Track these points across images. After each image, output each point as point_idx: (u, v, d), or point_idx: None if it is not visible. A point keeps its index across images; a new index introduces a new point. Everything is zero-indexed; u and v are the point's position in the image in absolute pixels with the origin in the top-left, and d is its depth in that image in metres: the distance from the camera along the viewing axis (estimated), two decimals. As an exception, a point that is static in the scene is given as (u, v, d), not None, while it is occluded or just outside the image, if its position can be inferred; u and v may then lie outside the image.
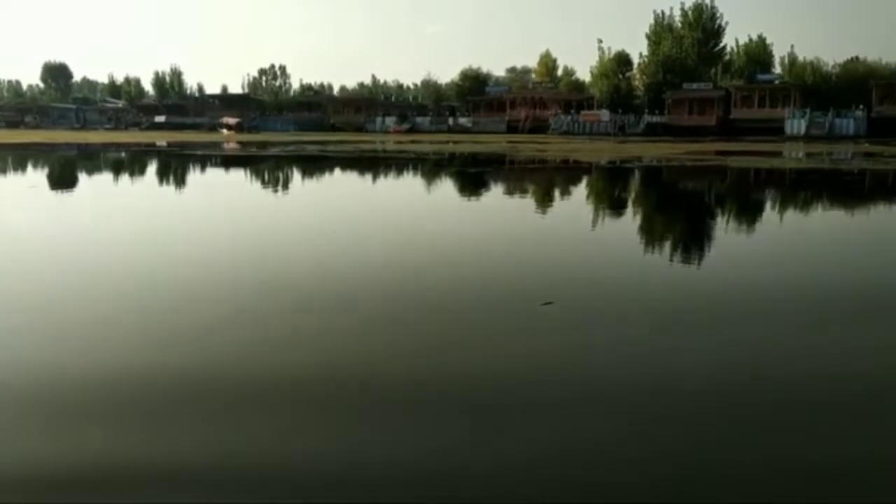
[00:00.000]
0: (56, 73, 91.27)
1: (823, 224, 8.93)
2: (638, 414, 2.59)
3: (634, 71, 65.25)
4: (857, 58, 59.78)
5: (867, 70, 54.59)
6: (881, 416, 2.63)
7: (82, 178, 15.49)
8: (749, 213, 9.78)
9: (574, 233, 7.28)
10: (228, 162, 21.40)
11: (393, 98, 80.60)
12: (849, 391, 2.88)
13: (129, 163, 20.50)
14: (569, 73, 75.38)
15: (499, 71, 79.63)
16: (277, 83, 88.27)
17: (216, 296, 4.30)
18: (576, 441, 2.36)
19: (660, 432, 2.44)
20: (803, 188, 14.43)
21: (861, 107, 49.62)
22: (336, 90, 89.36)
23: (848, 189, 13.91)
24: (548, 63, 74.73)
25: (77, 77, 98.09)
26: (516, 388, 2.82)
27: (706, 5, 61.57)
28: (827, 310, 4.17)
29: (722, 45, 63.04)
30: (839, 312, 4.11)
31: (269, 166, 19.33)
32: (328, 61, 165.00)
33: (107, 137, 43.87)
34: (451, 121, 66.27)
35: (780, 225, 8.64)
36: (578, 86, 70.66)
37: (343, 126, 66.04)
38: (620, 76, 64.57)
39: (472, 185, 13.78)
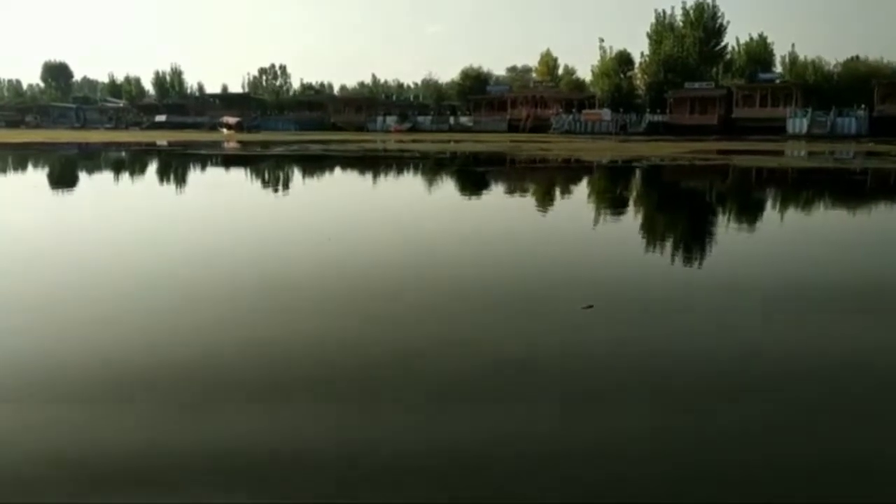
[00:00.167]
0: (56, 73, 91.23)
1: (854, 222, 8.91)
2: (696, 412, 2.59)
3: (636, 70, 65.19)
4: (857, 57, 59.72)
5: (869, 69, 54.49)
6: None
7: (90, 178, 15.49)
8: (774, 212, 9.76)
9: (603, 234, 7.20)
10: (235, 162, 21.34)
11: (394, 97, 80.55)
12: None
13: (134, 163, 20.46)
14: (569, 72, 75.34)
15: (499, 70, 79.67)
16: (278, 82, 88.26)
17: (248, 294, 4.31)
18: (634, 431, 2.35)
19: (718, 428, 2.43)
20: (820, 187, 14.21)
21: (863, 106, 49.53)
22: (336, 90, 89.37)
23: (866, 187, 13.91)
24: (549, 62, 74.65)
25: (77, 76, 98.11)
26: (573, 388, 2.82)
27: (707, 4, 61.51)
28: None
29: (723, 44, 62.97)
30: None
31: (277, 166, 19.26)
32: (328, 61, 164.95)
33: (108, 137, 43.88)
34: (452, 120, 66.24)
35: (807, 223, 8.65)
36: (579, 85, 70.60)
37: (344, 125, 66.01)
38: (622, 75, 64.49)
39: (486, 185, 13.66)
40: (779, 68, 62.87)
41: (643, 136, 49.47)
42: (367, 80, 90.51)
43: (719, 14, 61.70)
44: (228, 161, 21.92)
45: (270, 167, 18.84)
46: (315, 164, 19.31)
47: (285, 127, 66.26)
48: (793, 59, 61.99)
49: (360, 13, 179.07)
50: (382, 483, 2.07)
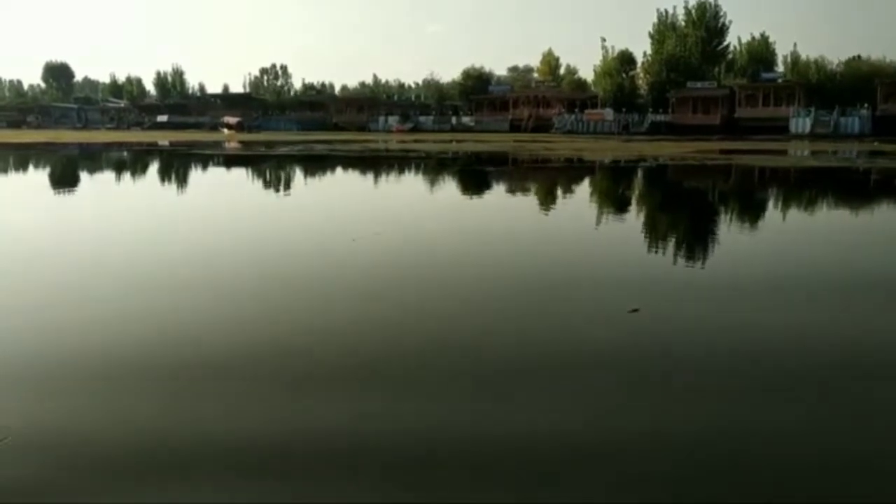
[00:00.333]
0: (57, 73, 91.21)
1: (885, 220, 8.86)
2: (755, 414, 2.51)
3: (638, 70, 65.15)
4: (858, 56, 59.72)
5: (871, 69, 54.47)
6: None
7: (105, 178, 15.39)
8: (803, 211, 9.71)
9: (633, 236, 7.09)
10: (243, 162, 21.18)
11: (395, 97, 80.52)
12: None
13: (143, 164, 20.34)
14: (571, 71, 75.36)
15: (499, 70, 79.62)
16: (279, 82, 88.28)
17: (284, 293, 4.23)
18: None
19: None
20: (842, 186, 14.10)
21: (866, 105, 49.49)
22: (338, 90, 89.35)
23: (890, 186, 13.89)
24: (550, 62, 74.66)
25: (78, 77, 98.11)
26: (630, 391, 2.74)
27: (710, 4, 61.47)
28: None
29: (725, 43, 62.93)
30: None
31: (286, 166, 19.14)
32: (328, 61, 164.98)
33: (110, 137, 43.79)
34: (453, 120, 66.21)
35: (838, 221, 8.59)
36: (581, 85, 70.58)
37: (345, 125, 65.95)
38: (624, 75, 64.45)
39: (503, 185, 13.49)
40: (780, 68, 62.87)
41: (646, 136, 49.43)
42: (368, 80, 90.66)
43: (721, 13, 61.72)
44: (237, 161, 21.80)
45: (280, 167, 18.73)
46: (323, 164, 19.20)
47: (287, 127, 66.21)
48: (795, 59, 61.98)
49: (359, 13, 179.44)
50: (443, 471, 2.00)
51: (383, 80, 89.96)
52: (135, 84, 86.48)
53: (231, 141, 38.08)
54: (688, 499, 1.98)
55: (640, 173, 17.26)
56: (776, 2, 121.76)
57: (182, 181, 14.41)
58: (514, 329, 3.57)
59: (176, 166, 18.55)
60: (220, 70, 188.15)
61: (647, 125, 55.82)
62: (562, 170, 18.41)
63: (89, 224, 7.69)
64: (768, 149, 30.05)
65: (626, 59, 64.78)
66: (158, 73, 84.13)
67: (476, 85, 71.05)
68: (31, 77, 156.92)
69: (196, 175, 16.32)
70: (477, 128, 61.94)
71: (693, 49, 60.61)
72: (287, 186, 13.14)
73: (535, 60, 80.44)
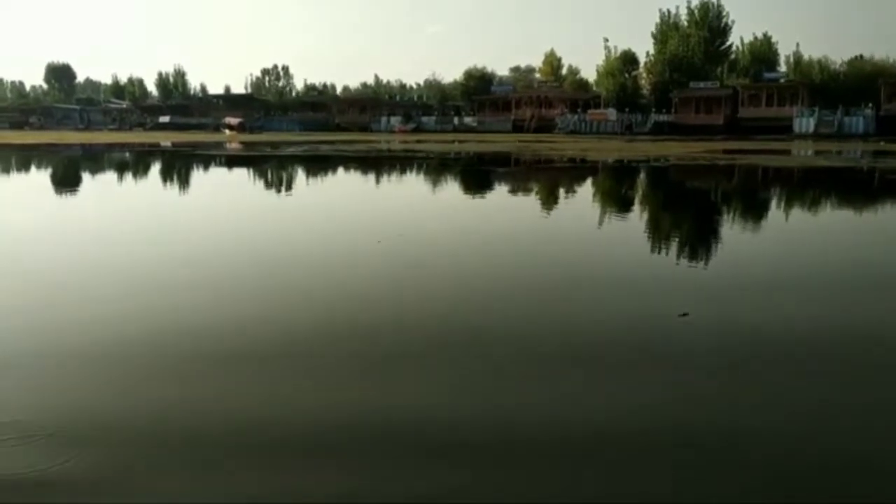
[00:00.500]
0: (59, 74, 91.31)
1: None
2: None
3: (640, 70, 65.11)
4: (861, 56, 59.69)
5: (875, 68, 54.43)
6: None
7: (109, 179, 15.33)
8: (832, 211, 9.67)
9: (667, 237, 7.02)
10: (252, 163, 21.03)
11: (397, 98, 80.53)
12: None
13: (153, 166, 20.28)
14: (573, 72, 75.34)
15: (500, 70, 79.56)
16: (280, 83, 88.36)
17: (314, 294, 4.18)
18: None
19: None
20: (859, 186, 14.03)
21: (870, 105, 49.45)
22: (339, 90, 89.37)
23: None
24: (552, 62, 74.64)
25: (80, 78, 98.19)
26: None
27: (712, 4, 61.44)
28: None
29: (728, 43, 62.89)
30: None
31: (297, 167, 19.03)
32: (328, 61, 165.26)
33: (113, 138, 43.76)
34: (456, 120, 66.19)
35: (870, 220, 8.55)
36: (583, 85, 70.56)
37: (348, 126, 65.95)
38: (626, 75, 64.43)
39: (520, 186, 13.35)
40: (783, 68, 62.85)
41: (649, 136, 49.39)
42: (369, 81, 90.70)
43: (724, 13, 61.69)
44: (246, 162, 21.68)
45: (290, 169, 18.63)
46: (333, 165, 19.10)
47: (289, 127, 66.23)
48: (797, 59, 61.97)
49: (359, 13, 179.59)
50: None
51: (384, 81, 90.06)
52: (137, 85, 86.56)
53: (232, 142, 37.89)
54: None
55: (656, 174, 17.04)
56: (778, 1, 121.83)
57: (200, 183, 14.35)
58: (561, 332, 3.52)
59: (189, 168, 18.46)
60: (222, 71, 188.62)
61: (650, 125, 55.80)
62: (575, 170, 18.24)
63: (136, 224, 7.64)
64: (775, 149, 30.00)
65: (628, 59, 64.79)
66: (160, 74, 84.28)
67: (478, 85, 71.09)
68: (34, 78, 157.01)
69: (211, 176, 16.24)
70: (479, 128, 61.92)
71: (696, 49, 60.58)
72: (302, 188, 13.06)
73: (536, 61, 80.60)
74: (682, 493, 1.99)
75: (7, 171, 17.35)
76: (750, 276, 4.95)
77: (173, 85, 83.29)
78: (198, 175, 16.48)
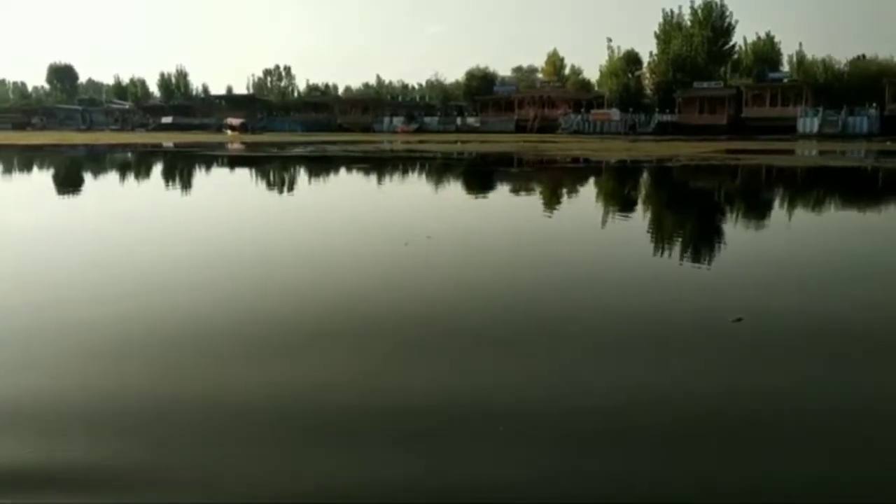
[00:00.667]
0: (61, 75, 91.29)
1: None
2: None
3: (644, 70, 65.04)
4: (863, 56, 59.60)
5: (879, 68, 54.35)
6: None
7: (121, 180, 15.25)
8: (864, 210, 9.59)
9: (704, 239, 6.89)
10: (262, 163, 20.87)
11: (399, 98, 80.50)
12: None
13: (164, 166, 20.20)
14: (576, 72, 75.30)
15: (502, 71, 79.49)
16: (283, 83, 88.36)
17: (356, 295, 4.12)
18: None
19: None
20: (879, 184, 13.88)
21: (874, 105, 49.38)
22: (341, 91, 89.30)
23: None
24: (555, 62, 74.58)
25: (82, 78, 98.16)
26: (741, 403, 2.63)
27: (716, 3, 61.36)
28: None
29: (731, 43, 62.81)
30: None
31: (308, 168, 18.92)
32: (329, 61, 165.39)
33: (117, 139, 43.66)
34: (458, 121, 66.12)
35: None
36: (585, 85, 70.51)
37: (350, 126, 65.90)
38: (630, 75, 64.37)
39: (538, 187, 13.19)
40: (785, 68, 62.78)
41: (652, 137, 49.30)
42: (371, 81, 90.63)
43: (727, 13, 61.61)
44: (255, 163, 21.55)
45: (302, 169, 18.56)
46: (342, 165, 18.98)
47: (291, 128, 66.19)
48: (800, 59, 61.89)
49: (359, 13, 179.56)
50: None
51: (386, 81, 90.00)
52: (139, 85, 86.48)
53: (234, 142, 37.72)
54: None
55: (677, 175, 16.67)
56: (779, 1, 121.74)
57: (218, 185, 14.31)
58: (614, 338, 3.45)
59: (204, 170, 18.38)
60: (224, 71, 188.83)
61: (654, 125, 55.75)
62: (591, 171, 18.00)
63: (176, 227, 7.58)
64: (782, 149, 29.94)
65: (631, 59, 64.71)
66: (162, 75, 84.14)
67: (480, 85, 71.04)
68: (36, 79, 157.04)
69: (230, 178, 16.11)
70: (482, 128, 61.88)
71: (699, 49, 60.51)
72: (319, 190, 12.95)
73: (537, 61, 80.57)
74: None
75: (17, 171, 17.29)
76: (804, 276, 4.89)
77: (175, 85, 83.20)
78: (216, 177, 16.41)
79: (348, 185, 13.39)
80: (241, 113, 67.71)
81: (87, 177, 15.90)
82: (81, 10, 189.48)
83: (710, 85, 57.48)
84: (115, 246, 6.05)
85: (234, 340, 3.31)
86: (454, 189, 12.93)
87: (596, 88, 67.93)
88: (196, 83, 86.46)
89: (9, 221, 7.89)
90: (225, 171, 18.61)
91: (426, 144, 34.12)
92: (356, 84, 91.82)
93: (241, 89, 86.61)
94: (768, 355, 3.17)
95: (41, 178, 15.61)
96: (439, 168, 19.02)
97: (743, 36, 65.00)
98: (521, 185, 13.54)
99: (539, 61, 79.45)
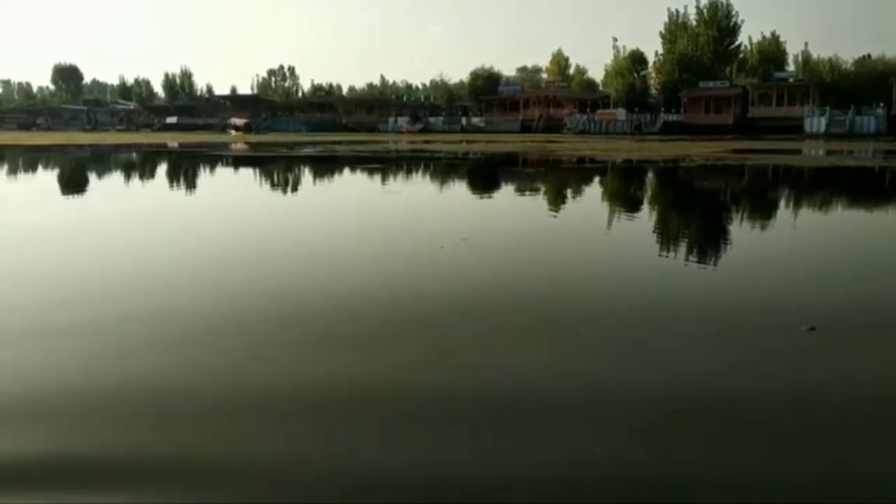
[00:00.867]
0: (66, 75, 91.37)
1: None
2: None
3: (649, 69, 64.96)
4: (869, 56, 59.50)
5: (886, 68, 54.26)
6: None
7: (136, 180, 15.19)
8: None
9: (754, 241, 6.78)
10: (274, 163, 20.72)
11: (404, 98, 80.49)
12: None
13: (178, 166, 20.09)
14: (581, 71, 75.27)
15: (506, 70, 79.47)
16: (287, 84, 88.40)
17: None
18: None
19: None
20: None
21: (881, 105, 49.27)
22: (345, 91, 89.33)
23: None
24: (560, 62, 74.58)
25: (87, 79, 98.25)
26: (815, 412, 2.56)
27: (721, 3, 61.27)
28: None
29: (737, 43, 62.73)
30: None
31: (321, 168, 18.79)
32: (332, 62, 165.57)
33: (122, 139, 43.63)
34: (464, 121, 66.09)
35: None
36: (590, 85, 70.47)
37: (355, 126, 65.89)
38: (635, 75, 64.29)
39: (561, 187, 13.06)
40: (791, 67, 62.67)
41: (659, 136, 49.20)
42: (375, 81, 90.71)
43: (733, 12, 61.52)
44: (267, 163, 21.47)
45: (316, 170, 18.46)
46: (357, 166, 18.87)
47: (296, 128, 66.17)
48: (805, 58, 61.83)
49: (362, 13, 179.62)
50: None
51: (390, 81, 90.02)
52: (143, 86, 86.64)
53: (238, 143, 37.61)
54: None
55: (699, 176, 16.39)
56: (784, 1, 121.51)
57: (239, 185, 14.25)
58: (684, 345, 3.38)
59: (221, 170, 18.30)
60: (227, 71, 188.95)
61: (660, 125, 55.67)
62: (609, 171, 17.84)
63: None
64: (793, 148, 29.83)
65: (637, 58, 64.65)
66: (167, 75, 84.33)
67: (485, 85, 71.02)
68: (41, 79, 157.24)
69: (247, 179, 15.97)
70: (488, 128, 61.85)
71: (705, 48, 60.47)
72: (340, 191, 12.85)
73: (541, 60, 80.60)
74: None
75: (26, 171, 17.25)
76: (866, 279, 4.81)
77: (180, 86, 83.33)
78: (240, 178, 16.36)
79: (369, 187, 13.22)
80: (245, 113, 67.71)
81: (119, 177, 15.80)
82: (86, 11, 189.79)
83: (716, 84, 57.43)
84: (179, 247, 5.99)
85: (311, 334, 3.30)
86: (476, 190, 12.81)
87: (601, 88, 67.88)
88: (200, 83, 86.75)
89: (29, 221, 7.84)
90: (245, 172, 18.51)
91: (433, 145, 34.03)
92: (360, 84, 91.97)
93: (245, 89, 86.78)
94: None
95: (52, 178, 15.56)
96: (455, 169, 18.94)
97: (748, 35, 65.01)
98: (544, 186, 13.44)
99: (543, 61, 79.53)
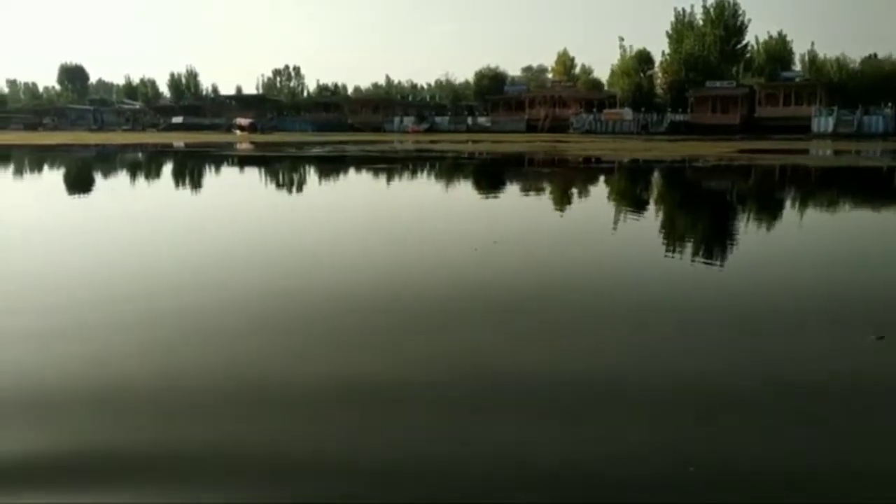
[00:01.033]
0: (72, 75, 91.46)
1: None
2: None
3: (656, 69, 64.72)
4: (875, 55, 59.17)
5: (893, 67, 53.96)
6: None
7: (151, 179, 15.18)
8: None
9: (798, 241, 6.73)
10: (286, 163, 20.58)
11: (409, 98, 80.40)
12: None
13: (192, 166, 20.14)
14: (586, 71, 75.08)
15: (511, 70, 79.34)
16: (292, 83, 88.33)
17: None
18: None
19: None
20: None
21: (889, 104, 49.01)
22: (350, 90, 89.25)
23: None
24: (566, 62, 74.37)
25: (93, 79, 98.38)
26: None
27: (728, 2, 60.98)
28: None
29: (744, 42, 62.43)
30: None
31: (336, 169, 18.62)
32: (336, 61, 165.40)
33: (129, 139, 43.61)
34: (469, 120, 65.95)
35: None
36: (596, 84, 70.26)
37: (361, 126, 65.81)
38: (642, 74, 64.06)
39: (585, 188, 12.94)
40: (797, 67, 62.39)
41: (665, 136, 49.03)
42: (379, 81, 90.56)
43: (740, 12, 61.20)
44: (278, 163, 21.43)
45: (331, 170, 18.32)
46: (370, 166, 18.76)
47: (302, 128, 66.11)
48: (812, 58, 61.50)
49: (366, 13, 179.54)
50: None
51: (395, 81, 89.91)
52: (149, 86, 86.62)
53: (244, 142, 37.53)
54: None
55: (721, 176, 16.24)
56: (790, 1, 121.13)
57: (257, 185, 14.20)
58: (746, 355, 3.33)
59: (239, 170, 18.30)
60: (232, 72, 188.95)
61: (667, 125, 55.44)
62: (625, 171, 17.70)
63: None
64: (804, 148, 29.71)
65: (643, 58, 64.40)
66: (172, 75, 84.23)
67: (491, 85, 70.83)
68: (47, 79, 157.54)
69: (262, 180, 15.89)
70: (493, 128, 61.71)
71: (712, 48, 60.16)
72: (360, 192, 12.70)
73: (546, 60, 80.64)
74: None
75: (34, 171, 17.25)
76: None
77: (185, 86, 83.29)
78: (258, 179, 16.34)
79: (388, 188, 13.13)
80: (250, 113, 67.65)
81: (131, 176, 15.80)
82: (92, 11, 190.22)
83: (723, 84, 57.11)
84: (209, 248, 5.96)
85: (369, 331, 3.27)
86: (499, 192, 12.60)
87: (606, 88, 67.69)
88: (206, 83, 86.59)
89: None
90: (264, 172, 18.42)
91: (439, 144, 33.95)
92: (365, 84, 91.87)
93: (250, 89, 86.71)
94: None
95: (61, 178, 15.56)
96: (472, 170, 18.87)
97: (755, 35, 64.68)
98: (563, 186, 13.38)
99: (548, 61, 79.46)
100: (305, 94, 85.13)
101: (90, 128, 68.97)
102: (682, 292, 4.45)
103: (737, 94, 55.83)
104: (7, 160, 21.35)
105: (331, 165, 19.89)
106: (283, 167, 19.04)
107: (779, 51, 63.08)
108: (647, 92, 62.84)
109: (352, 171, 17.77)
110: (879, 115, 48.67)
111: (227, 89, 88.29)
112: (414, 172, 16.95)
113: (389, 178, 15.09)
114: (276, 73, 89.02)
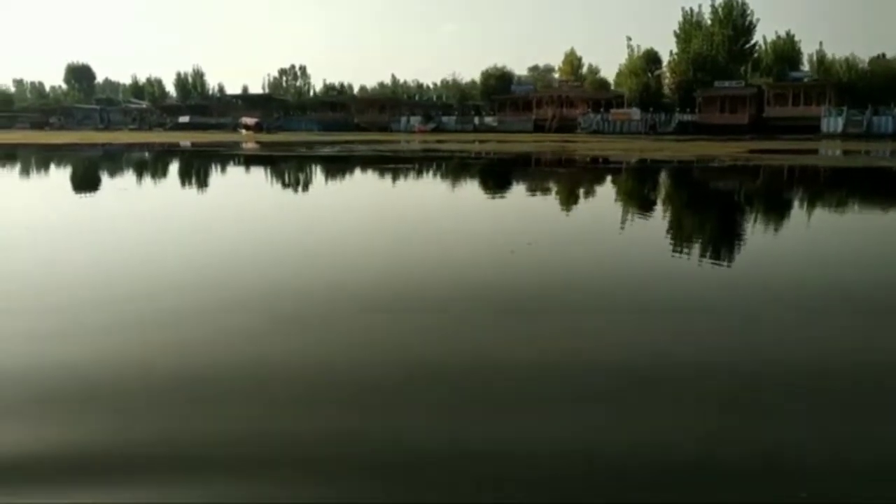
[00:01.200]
0: (79, 75, 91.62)
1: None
2: None
3: (664, 69, 64.50)
4: (883, 55, 58.85)
5: (903, 67, 53.69)
6: None
7: (167, 179, 15.07)
8: None
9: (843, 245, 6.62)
10: (299, 163, 20.43)
11: (416, 97, 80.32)
12: None
13: (207, 165, 20.03)
14: (593, 71, 74.93)
15: (517, 70, 79.09)
16: (298, 83, 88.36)
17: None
18: None
19: None
20: None
21: (897, 105, 48.76)
22: (356, 90, 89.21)
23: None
24: (573, 61, 74.24)
25: (100, 78, 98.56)
26: None
27: (736, 2, 60.76)
28: None
29: (753, 42, 62.20)
30: None
31: (351, 169, 18.43)
32: (342, 61, 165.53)
33: (136, 138, 43.60)
34: (476, 120, 65.83)
35: None
36: (603, 84, 70.07)
37: (367, 126, 65.74)
38: (649, 74, 63.84)
39: (610, 189, 12.83)
40: (805, 67, 62.12)
41: (674, 136, 48.83)
42: (386, 80, 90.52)
43: (748, 11, 60.98)
44: (290, 162, 21.29)
45: (347, 170, 18.14)
46: (385, 166, 18.60)
47: (308, 127, 66.08)
48: (820, 58, 61.25)
49: (373, 12, 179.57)
50: None
51: (402, 81, 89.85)
52: (155, 85, 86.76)
53: (249, 142, 37.41)
54: None
55: (744, 176, 15.97)
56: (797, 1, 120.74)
57: (280, 185, 14.09)
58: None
59: (259, 171, 18.20)
60: (238, 71, 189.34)
61: (675, 125, 55.24)
62: (643, 172, 17.50)
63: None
64: (813, 148, 29.50)
65: (651, 58, 64.21)
66: (179, 75, 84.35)
67: (497, 85, 70.66)
68: (53, 78, 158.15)
69: (276, 179, 15.71)
70: (500, 128, 61.58)
71: (720, 48, 59.95)
72: (386, 193, 12.47)
73: (553, 60, 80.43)
74: None
75: (41, 170, 17.19)
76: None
77: (192, 85, 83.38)
78: (266, 179, 16.23)
79: (409, 189, 12.89)
80: (256, 112, 67.64)
81: (152, 175, 15.71)
82: (98, 11, 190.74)
83: (731, 84, 56.88)
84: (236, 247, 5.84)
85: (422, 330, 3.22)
86: (519, 192, 12.35)
87: (613, 88, 67.49)
88: (212, 83, 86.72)
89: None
90: (274, 173, 18.31)
91: (447, 144, 33.80)
92: (371, 83, 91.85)
93: (256, 89, 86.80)
94: None
95: (69, 177, 15.48)
96: (487, 169, 18.73)
97: (763, 35, 64.43)
98: (585, 187, 13.24)
99: (555, 60, 79.31)
100: (312, 93, 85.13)
101: (96, 127, 69.10)
102: (729, 291, 4.32)
103: (745, 94, 55.60)
104: (14, 159, 21.31)
105: (343, 165, 19.75)
106: (293, 167, 18.94)
107: (787, 51, 62.81)
108: (655, 92, 62.62)
109: (369, 171, 17.59)
110: (889, 116, 48.41)
111: (233, 89, 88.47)
112: (436, 174, 16.82)
113: (407, 179, 14.96)
114: (283, 72, 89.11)
